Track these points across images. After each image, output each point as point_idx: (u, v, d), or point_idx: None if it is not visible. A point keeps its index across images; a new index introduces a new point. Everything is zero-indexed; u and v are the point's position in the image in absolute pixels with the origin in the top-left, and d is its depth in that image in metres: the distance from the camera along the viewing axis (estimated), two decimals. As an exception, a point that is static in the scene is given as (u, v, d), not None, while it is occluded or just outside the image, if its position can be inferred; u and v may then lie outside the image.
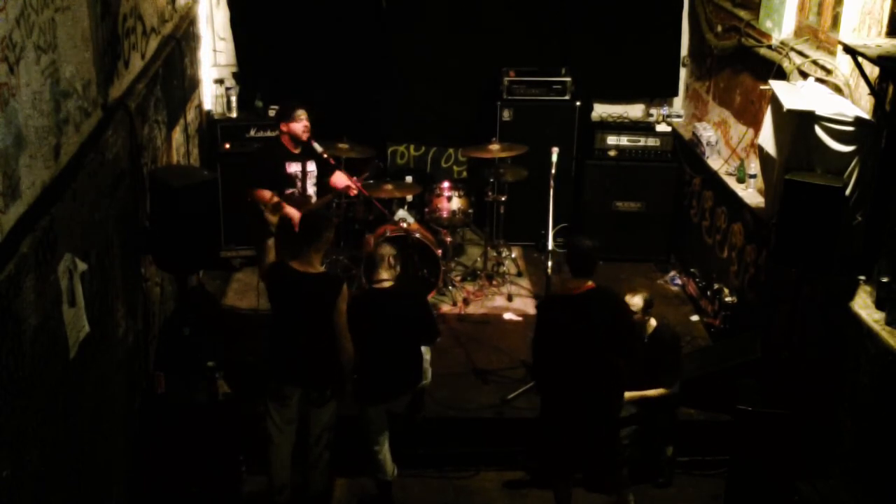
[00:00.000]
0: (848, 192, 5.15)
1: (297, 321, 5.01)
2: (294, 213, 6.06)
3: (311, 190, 6.49)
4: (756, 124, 6.73)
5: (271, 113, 7.58)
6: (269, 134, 7.52)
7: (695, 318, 7.31)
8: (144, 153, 5.42)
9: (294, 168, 6.36)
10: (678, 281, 7.79)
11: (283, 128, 6.33)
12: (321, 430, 5.18)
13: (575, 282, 4.84)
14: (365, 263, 5.78)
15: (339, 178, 6.73)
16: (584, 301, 4.81)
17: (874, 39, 5.15)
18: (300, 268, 4.97)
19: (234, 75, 8.18)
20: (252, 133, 7.80)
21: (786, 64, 6.21)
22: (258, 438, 5.19)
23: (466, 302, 7.47)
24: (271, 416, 5.10)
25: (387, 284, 5.29)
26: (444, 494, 5.76)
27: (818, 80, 5.76)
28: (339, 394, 5.14)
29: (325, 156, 6.71)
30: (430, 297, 7.16)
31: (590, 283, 4.84)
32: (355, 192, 6.83)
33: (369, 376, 5.27)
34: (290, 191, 6.35)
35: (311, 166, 6.46)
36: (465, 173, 8.84)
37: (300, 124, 6.29)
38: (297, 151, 6.37)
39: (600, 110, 8.65)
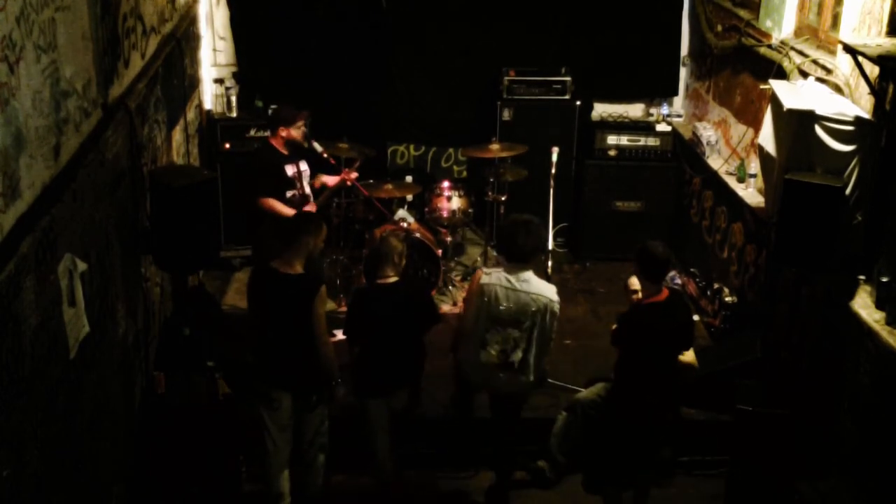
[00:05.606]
0: (848, 191, 5.14)
1: (277, 323, 4.93)
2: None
3: (307, 189, 6.49)
4: (756, 124, 6.72)
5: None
6: (268, 134, 7.55)
7: (695, 318, 7.29)
8: (144, 153, 5.42)
9: (292, 170, 6.36)
10: (678, 281, 7.77)
11: (283, 132, 6.28)
12: (313, 435, 5.14)
13: (654, 287, 4.95)
14: (370, 258, 5.64)
15: (329, 179, 6.73)
16: (671, 305, 4.98)
17: (874, 39, 5.15)
18: (281, 268, 4.91)
19: (234, 75, 8.18)
20: (252, 133, 7.80)
21: (786, 63, 6.21)
22: (258, 438, 5.19)
23: (466, 302, 7.46)
24: (266, 425, 5.04)
25: (391, 280, 5.17)
26: (444, 494, 5.76)
27: (818, 79, 5.76)
28: (325, 399, 5.07)
29: (325, 155, 6.71)
30: (430, 297, 7.15)
31: (664, 288, 5.01)
32: (350, 183, 6.79)
33: (370, 370, 5.19)
34: (290, 193, 6.34)
35: (304, 166, 6.46)
36: (465, 173, 8.84)
37: (301, 130, 6.29)
38: (287, 153, 6.36)
39: (600, 110, 8.65)
